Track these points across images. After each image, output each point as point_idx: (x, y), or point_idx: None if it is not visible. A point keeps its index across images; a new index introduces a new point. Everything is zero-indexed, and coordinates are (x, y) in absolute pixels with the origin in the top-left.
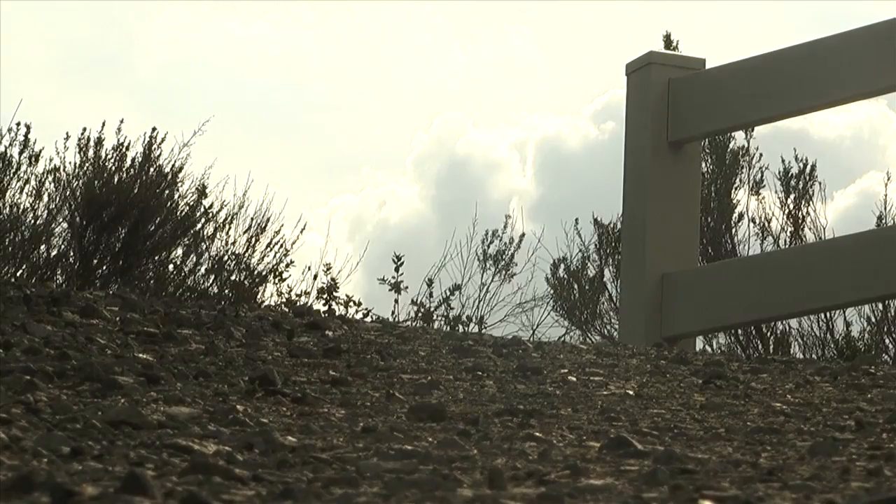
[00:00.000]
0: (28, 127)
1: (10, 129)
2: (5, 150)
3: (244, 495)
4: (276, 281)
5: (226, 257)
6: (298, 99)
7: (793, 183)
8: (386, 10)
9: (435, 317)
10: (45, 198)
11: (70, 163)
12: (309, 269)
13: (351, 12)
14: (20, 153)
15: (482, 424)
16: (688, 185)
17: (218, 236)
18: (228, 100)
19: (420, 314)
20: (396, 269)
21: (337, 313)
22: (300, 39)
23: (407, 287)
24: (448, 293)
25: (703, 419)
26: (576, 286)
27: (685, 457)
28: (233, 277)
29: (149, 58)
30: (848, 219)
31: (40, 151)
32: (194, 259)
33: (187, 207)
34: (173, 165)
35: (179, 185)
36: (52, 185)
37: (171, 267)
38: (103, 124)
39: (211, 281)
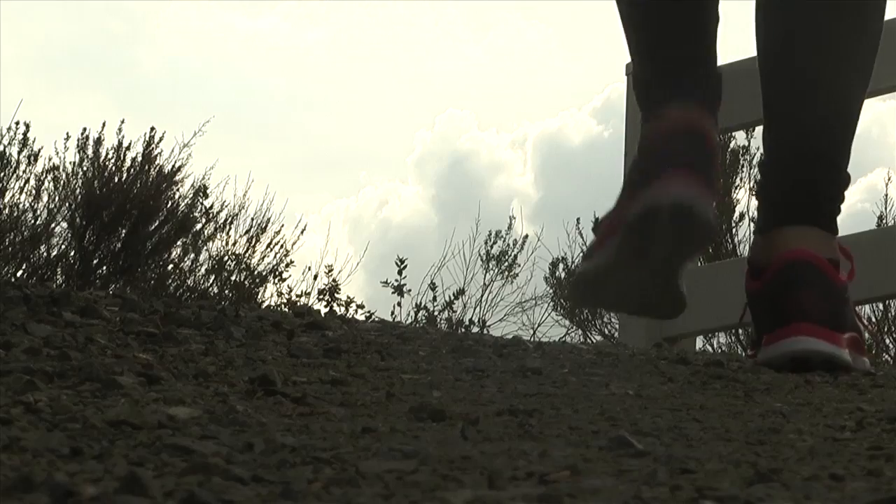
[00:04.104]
0: (27, 126)
1: (9, 129)
2: (4, 150)
3: (244, 495)
4: (277, 281)
5: (226, 258)
6: (302, 97)
7: None
8: (399, 6)
9: (438, 321)
10: (45, 198)
11: (70, 162)
12: (309, 269)
13: (363, 6)
14: (19, 152)
15: (482, 424)
16: None
17: (218, 237)
18: (230, 98)
19: (423, 318)
20: (399, 272)
21: (338, 314)
22: (308, 35)
23: (409, 290)
24: (452, 297)
25: (703, 419)
26: None
27: (685, 457)
28: (233, 278)
29: (150, 57)
30: (853, 216)
31: (39, 150)
32: (194, 259)
33: (188, 208)
34: (173, 166)
35: (179, 185)
36: (52, 184)
37: (171, 267)
38: (103, 125)
39: (211, 281)
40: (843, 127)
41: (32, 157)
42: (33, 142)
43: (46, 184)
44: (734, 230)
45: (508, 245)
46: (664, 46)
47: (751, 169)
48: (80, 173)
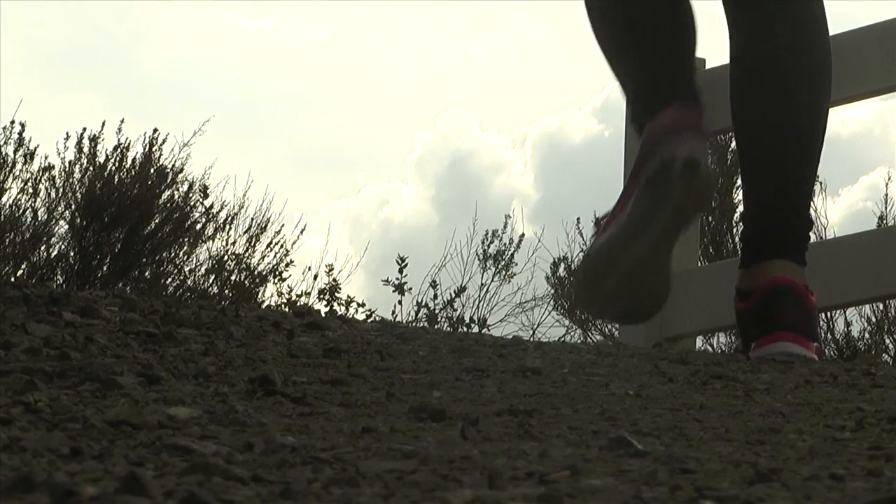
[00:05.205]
0: (23, 125)
1: (4, 128)
2: (0, 149)
3: (244, 495)
4: (277, 281)
5: (226, 257)
6: (302, 96)
7: None
8: (401, 5)
9: (439, 319)
10: (45, 197)
11: (69, 161)
12: (309, 269)
13: (365, 6)
14: (15, 151)
15: (482, 424)
16: None
17: (218, 236)
18: (230, 98)
19: (424, 316)
20: (400, 271)
21: (338, 314)
22: (308, 34)
23: (410, 288)
24: (452, 295)
25: (703, 419)
26: None
27: (685, 457)
28: (233, 278)
29: (150, 57)
30: (854, 216)
31: (35, 149)
32: (195, 260)
33: (188, 208)
34: (174, 166)
35: (180, 185)
36: (49, 183)
37: (170, 267)
38: (103, 124)
39: (211, 281)
40: (808, 182)
41: (28, 156)
42: (29, 141)
43: (44, 183)
44: (735, 230)
45: (505, 244)
46: (651, 56)
47: None
48: (78, 173)
